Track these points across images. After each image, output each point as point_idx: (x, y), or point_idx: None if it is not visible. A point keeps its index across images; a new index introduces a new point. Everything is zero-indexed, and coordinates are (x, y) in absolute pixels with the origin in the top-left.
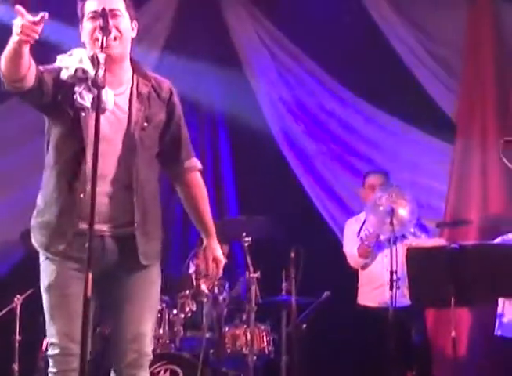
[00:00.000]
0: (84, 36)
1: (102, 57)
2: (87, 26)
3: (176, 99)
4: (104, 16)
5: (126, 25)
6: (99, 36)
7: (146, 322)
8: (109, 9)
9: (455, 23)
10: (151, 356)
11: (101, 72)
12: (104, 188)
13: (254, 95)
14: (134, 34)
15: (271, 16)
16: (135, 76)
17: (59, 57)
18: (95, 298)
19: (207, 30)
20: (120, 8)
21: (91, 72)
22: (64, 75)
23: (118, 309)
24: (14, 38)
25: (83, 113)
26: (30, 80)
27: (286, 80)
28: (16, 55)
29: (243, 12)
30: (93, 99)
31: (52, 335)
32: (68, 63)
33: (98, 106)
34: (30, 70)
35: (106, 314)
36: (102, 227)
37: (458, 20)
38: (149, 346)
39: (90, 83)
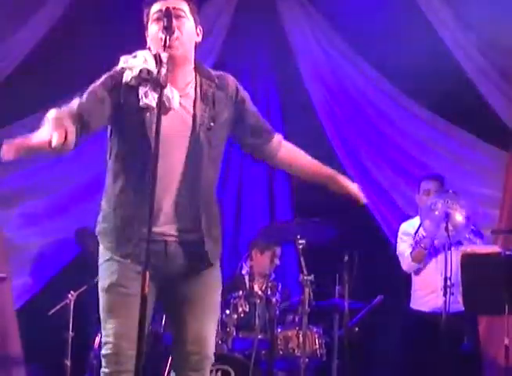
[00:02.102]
0: (150, 39)
1: (164, 56)
2: (152, 28)
3: (243, 93)
4: (168, 15)
5: (190, 27)
6: (163, 36)
7: (208, 324)
8: (173, 8)
9: None
10: (213, 359)
11: (163, 71)
12: (170, 190)
13: (309, 97)
14: (199, 39)
15: (329, 17)
16: (198, 77)
17: (123, 58)
18: (155, 300)
19: (264, 31)
20: (185, 9)
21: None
22: (128, 77)
23: (181, 312)
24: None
25: (147, 114)
26: (69, 145)
27: (344, 85)
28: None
29: (299, 14)
30: (159, 98)
31: (107, 335)
32: (133, 63)
33: (159, 104)
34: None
35: (166, 316)
36: (168, 231)
37: None
38: (211, 348)
39: (153, 82)
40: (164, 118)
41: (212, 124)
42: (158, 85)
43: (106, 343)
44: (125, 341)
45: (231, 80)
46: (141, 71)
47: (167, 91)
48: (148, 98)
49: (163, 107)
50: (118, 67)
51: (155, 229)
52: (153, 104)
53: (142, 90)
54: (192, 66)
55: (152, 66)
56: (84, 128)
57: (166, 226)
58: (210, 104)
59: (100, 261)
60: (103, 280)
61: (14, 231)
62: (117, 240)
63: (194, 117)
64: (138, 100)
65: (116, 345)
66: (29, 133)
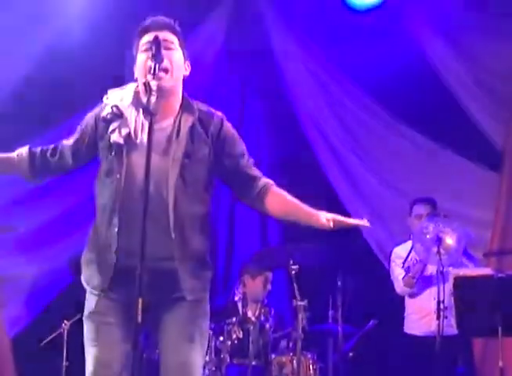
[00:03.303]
0: (137, 68)
1: (154, 84)
2: (140, 58)
3: (227, 132)
4: (157, 43)
5: (178, 59)
6: (152, 64)
7: (193, 352)
8: (163, 39)
9: (505, 51)
10: None
11: (153, 99)
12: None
13: (299, 122)
14: (187, 73)
15: (321, 44)
16: (180, 112)
17: (109, 92)
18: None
19: (254, 56)
20: (174, 41)
21: (128, 109)
22: (105, 112)
23: (163, 341)
24: None
25: (118, 150)
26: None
27: (335, 111)
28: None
29: (289, 40)
30: (127, 134)
31: (89, 364)
32: (111, 99)
33: (150, 133)
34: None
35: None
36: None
37: (508, 49)
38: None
39: (143, 111)
40: (133, 154)
41: (186, 160)
42: (148, 113)
43: (88, 373)
44: (104, 369)
45: (217, 118)
46: (112, 108)
47: (138, 126)
48: (115, 134)
49: (132, 143)
50: (103, 102)
51: (129, 260)
52: (120, 141)
53: (112, 126)
54: (179, 100)
55: (127, 102)
56: (62, 164)
57: (136, 259)
58: (187, 140)
59: (86, 291)
60: (85, 309)
61: (7, 260)
62: (92, 271)
63: (169, 152)
64: (108, 137)
65: (94, 372)
66: None
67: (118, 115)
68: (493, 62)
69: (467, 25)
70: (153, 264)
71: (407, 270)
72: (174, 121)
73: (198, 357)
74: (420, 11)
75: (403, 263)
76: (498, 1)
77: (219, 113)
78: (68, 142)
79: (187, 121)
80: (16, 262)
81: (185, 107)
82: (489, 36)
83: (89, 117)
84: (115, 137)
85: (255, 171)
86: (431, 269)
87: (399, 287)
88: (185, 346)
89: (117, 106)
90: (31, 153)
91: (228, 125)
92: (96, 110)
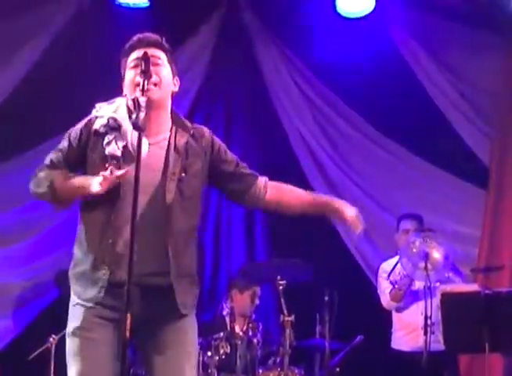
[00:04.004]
0: (126, 85)
1: (143, 100)
2: (128, 74)
3: (218, 144)
4: (146, 59)
5: (167, 74)
6: (140, 80)
7: (184, 369)
8: (151, 55)
9: (490, 67)
10: None
11: (142, 115)
12: (136, 237)
13: (288, 139)
14: (175, 89)
15: (306, 60)
16: (173, 127)
17: (98, 105)
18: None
19: (241, 70)
20: (162, 58)
21: (124, 121)
22: (98, 125)
23: (152, 358)
24: (89, 186)
25: (114, 162)
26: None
27: (322, 125)
28: (75, 197)
29: (276, 55)
30: (124, 147)
31: None
32: (103, 112)
33: (139, 148)
34: None
35: (141, 360)
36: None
37: (494, 64)
38: None
39: (132, 126)
40: (129, 167)
41: (183, 174)
42: (136, 129)
43: None
44: None
45: (206, 132)
46: (108, 120)
47: (134, 139)
48: (111, 146)
49: (129, 155)
50: (92, 115)
51: (121, 275)
52: (118, 153)
53: (107, 139)
54: (169, 115)
55: (122, 114)
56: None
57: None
58: (182, 155)
59: (70, 305)
60: (69, 325)
61: None
62: (85, 285)
63: (165, 167)
64: (104, 149)
65: None
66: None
67: (115, 127)
68: (477, 77)
69: (451, 39)
70: (147, 279)
71: (393, 284)
72: (170, 136)
73: (193, 371)
74: (404, 24)
75: (388, 276)
76: (481, 17)
77: (207, 129)
78: (60, 157)
79: (182, 136)
80: (2, 275)
81: (177, 123)
82: (474, 50)
83: (77, 130)
84: (111, 149)
85: (252, 171)
86: (418, 284)
87: (385, 301)
88: (182, 360)
89: (114, 118)
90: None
91: (216, 138)
92: (84, 123)
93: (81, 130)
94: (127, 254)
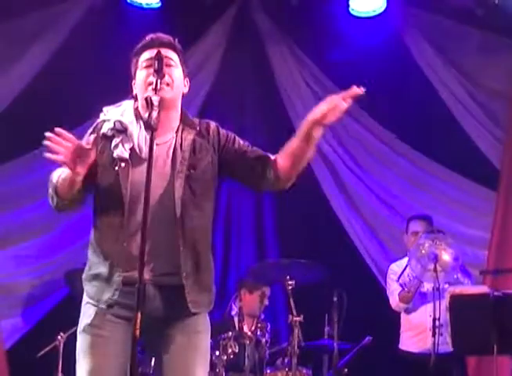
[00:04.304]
0: (137, 85)
1: (156, 99)
2: (140, 74)
3: (225, 133)
4: (159, 59)
5: (179, 75)
6: (153, 79)
7: (197, 370)
8: (164, 56)
9: (503, 70)
10: None
11: (154, 114)
12: (148, 237)
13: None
14: (186, 90)
15: (318, 61)
16: (180, 126)
17: (105, 109)
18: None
19: (253, 71)
20: (175, 59)
21: (131, 124)
22: (105, 128)
23: (164, 357)
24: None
25: (122, 164)
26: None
27: (333, 128)
28: (71, 185)
29: (287, 56)
30: (131, 149)
31: (81, 374)
32: (110, 115)
33: (151, 148)
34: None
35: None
36: (145, 275)
37: (506, 68)
38: None
39: (144, 125)
40: (137, 169)
41: (192, 171)
42: (149, 128)
43: None
44: None
45: (213, 125)
46: (114, 123)
47: (141, 140)
48: (119, 149)
49: (136, 157)
50: (99, 120)
51: (133, 274)
52: (125, 155)
53: (114, 141)
54: (178, 115)
55: (128, 118)
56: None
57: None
58: (189, 151)
59: (82, 303)
60: (80, 322)
61: (3, 271)
62: (100, 286)
63: (173, 164)
64: (112, 152)
65: None
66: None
67: (121, 130)
68: (490, 80)
69: (463, 41)
70: (161, 279)
71: (402, 286)
72: (176, 135)
73: (205, 371)
74: (414, 24)
75: (398, 278)
76: (493, 19)
77: (213, 122)
78: None
79: (189, 133)
80: (12, 273)
81: (185, 122)
82: (486, 53)
83: (87, 136)
84: (119, 151)
85: (257, 149)
86: (427, 286)
87: (395, 302)
88: (192, 359)
89: (120, 121)
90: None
91: (223, 129)
92: (93, 128)
93: (91, 135)
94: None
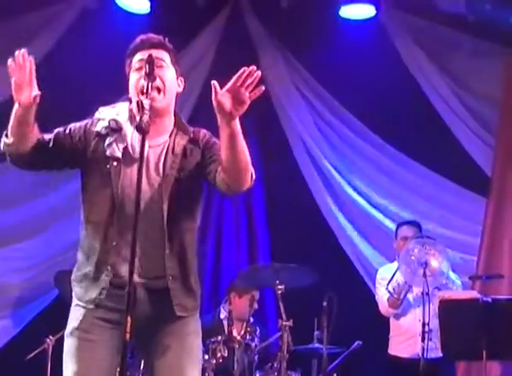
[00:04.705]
0: (130, 88)
1: (146, 103)
2: (132, 77)
3: (210, 139)
4: (150, 62)
5: (171, 77)
6: (144, 83)
7: (189, 371)
8: (155, 57)
9: (494, 76)
10: None
11: (145, 117)
12: (138, 239)
13: (288, 143)
14: (180, 89)
15: (308, 65)
16: (174, 129)
17: (101, 109)
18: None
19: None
20: (166, 60)
21: (125, 124)
22: (99, 127)
23: (153, 361)
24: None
25: (114, 163)
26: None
27: (324, 132)
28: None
29: (278, 59)
30: (124, 149)
31: None
32: (105, 115)
33: (142, 151)
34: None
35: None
36: (134, 277)
37: (497, 74)
38: None
39: (136, 128)
40: (129, 169)
41: (181, 174)
42: (140, 131)
43: None
44: None
45: (203, 132)
46: (109, 122)
47: (134, 141)
48: (114, 149)
49: (128, 157)
50: (94, 117)
51: (123, 276)
52: (118, 154)
53: (108, 140)
54: (172, 118)
55: (123, 117)
56: (44, 149)
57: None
58: (180, 156)
59: (71, 306)
60: (68, 325)
61: None
62: (86, 286)
63: (164, 167)
64: (105, 150)
65: None
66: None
67: (116, 129)
68: (480, 86)
69: (454, 47)
70: (148, 281)
71: (391, 293)
72: (170, 138)
73: (197, 372)
74: (405, 29)
75: (387, 284)
76: (484, 26)
77: (205, 130)
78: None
79: (182, 138)
80: (0, 274)
81: (179, 126)
82: (477, 59)
83: (78, 128)
84: (112, 150)
85: None
86: (416, 290)
87: (383, 307)
88: (181, 363)
89: (115, 120)
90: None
91: (213, 137)
92: (86, 123)
93: (81, 129)
94: (127, 257)
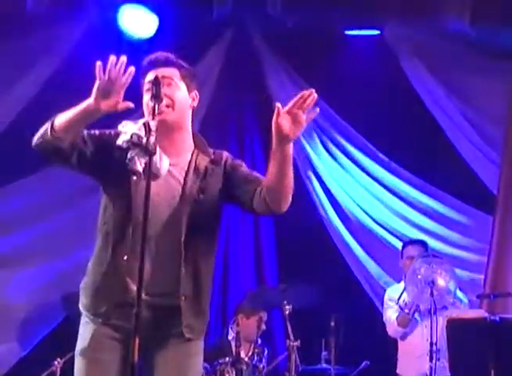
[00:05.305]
0: (143, 108)
1: (153, 125)
2: (144, 98)
3: (230, 159)
4: (156, 84)
5: (181, 94)
6: (152, 104)
7: None
8: (162, 77)
9: (498, 93)
10: None
11: (152, 139)
12: (148, 255)
13: (296, 162)
14: (194, 104)
15: (314, 83)
16: (195, 150)
17: (124, 122)
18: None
19: (250, 96)
20: (175, 77)
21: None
22: (120, 140)
23: None
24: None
25: (134, 178)
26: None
27: (329, 150)
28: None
29: (285, 80)
30: (145, 164)
31: None
32: (127, 128)
33: (149, 172)
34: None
35: None
36: (143, 296)
37: (501, 90)
38: None
39: (143, 150)
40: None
41: (201, 196)
42: (146, 153)
43: None
44: None
45: (225, 154)
46: (131, 136)
47: (156, 157)
48: (135, 163)
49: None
50: (117, 129)
51: (133, 291)
52: (140, 169)
53: (129, 154)
54: (190, 135)
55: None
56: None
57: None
58: (201, 176)
59: (81, 323)
60: (79, 343)
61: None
62: (93, 297)
63: (184, 187)
64: (126, 164)
65: None
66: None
67: (138, 144)
68: (485, 102)
69: (458, 63)
70: (158, 300)
71: (401, 308)
72: (191, 158)
73: None
74: (410, 47)
75: (398, 299)
76: (486, 41)
77: (226, 152)
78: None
79: (203, 159)
80: (8, 296)
81: (199, 146)
82: (478, 74)
83: (99, 137)
84: (133, 164)
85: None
86: (423, 310)
87: (392, 329)
88: None
89: (138, 135)
90: None
91: (235, 159)
92: (108, 131)
93: (109, 137)
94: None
